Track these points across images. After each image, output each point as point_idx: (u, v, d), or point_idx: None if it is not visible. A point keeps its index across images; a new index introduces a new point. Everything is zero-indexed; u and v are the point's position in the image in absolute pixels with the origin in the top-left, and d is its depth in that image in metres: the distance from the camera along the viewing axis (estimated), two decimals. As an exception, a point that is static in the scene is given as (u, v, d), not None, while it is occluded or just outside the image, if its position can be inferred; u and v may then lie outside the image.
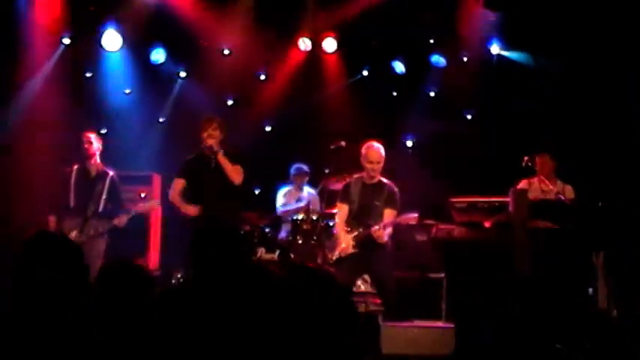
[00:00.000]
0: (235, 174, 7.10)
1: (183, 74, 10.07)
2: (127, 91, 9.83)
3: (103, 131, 9.13)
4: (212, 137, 7.08)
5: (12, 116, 8.97)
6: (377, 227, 6.92)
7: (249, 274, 3.66)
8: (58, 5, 9.07)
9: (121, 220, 7.40)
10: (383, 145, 7.17)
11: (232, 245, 3.78)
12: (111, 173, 7.67)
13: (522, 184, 7.90)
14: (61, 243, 3.48)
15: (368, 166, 7.13)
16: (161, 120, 10.21)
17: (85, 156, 7.60)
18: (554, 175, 7.95)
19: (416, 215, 7.11)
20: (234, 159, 7.15)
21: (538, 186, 7.85)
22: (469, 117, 9.84)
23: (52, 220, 7.54)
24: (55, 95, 9.00)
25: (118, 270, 3.82)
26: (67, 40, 9.34)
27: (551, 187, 7.76)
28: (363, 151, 7.19)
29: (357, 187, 7.26)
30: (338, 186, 7.76)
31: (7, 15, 8.74)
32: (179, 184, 7.26)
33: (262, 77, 10.20)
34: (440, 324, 7.04)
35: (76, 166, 7.65)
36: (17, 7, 8.86)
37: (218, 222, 4.01)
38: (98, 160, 7.69)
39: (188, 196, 7.22)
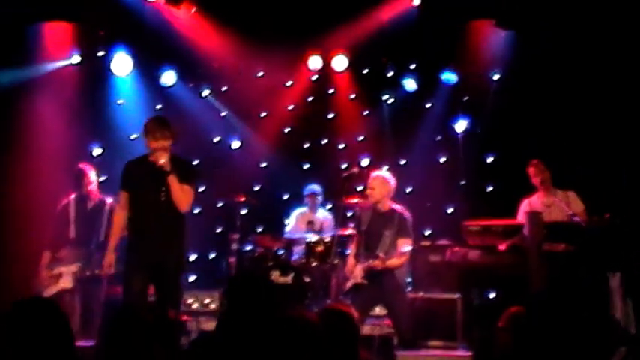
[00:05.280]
0: (184, 199, 5.98)
1: (205, 92, 9.88)
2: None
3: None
4: (164, 150, 5.94)
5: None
6: (377, 261, 6.93)
7: (285, 326, 3.62)
8: (68, 32, 9.07)
9: None
10: (393, 165, 7.13)
11: (266, 297, 3.76)
12: (109, 201, 7.48)
13: (523, 206, 7.78)
14: (49, 311, 3.36)
15: (367, 192, 7.19)
16: None
17: (82, 186, 7.48)
18: (551, 185, 7.75)
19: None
20: (183, 173, 6.01)
21: (539, 203, 7.72)
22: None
23: (46, 255, 7.37)
24: (62, 122, 8.88)
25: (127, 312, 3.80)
26: (76, 59, 9.21)
27: (552, 199, 7.63)
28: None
29: (367, 215, 7.27)
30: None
31: (19, 43, 8.65)
32: (123, 197, 6.19)
33: (273, 96, 10.07)
34: (458, 352, 6.99)
35: (73, 196, 7.54)
36: (28, 35, 8.76)
37: (249, 274, 3.95)
38: (95, 189, 7.58)
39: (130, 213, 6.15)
